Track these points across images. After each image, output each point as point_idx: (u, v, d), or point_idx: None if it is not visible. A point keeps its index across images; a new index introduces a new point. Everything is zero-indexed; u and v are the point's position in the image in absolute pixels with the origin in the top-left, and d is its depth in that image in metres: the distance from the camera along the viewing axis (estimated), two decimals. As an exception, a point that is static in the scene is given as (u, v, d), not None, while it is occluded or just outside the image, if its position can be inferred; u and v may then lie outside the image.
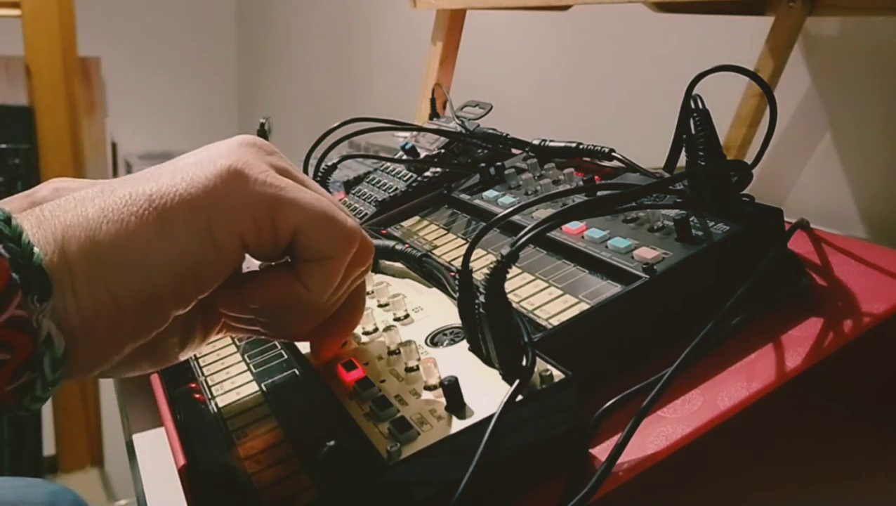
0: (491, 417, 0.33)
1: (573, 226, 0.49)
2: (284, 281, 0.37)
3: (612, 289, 0.42)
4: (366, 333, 0.45)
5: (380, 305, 0.48)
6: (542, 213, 0.52)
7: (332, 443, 0.33)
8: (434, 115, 0.86)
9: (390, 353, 0.42)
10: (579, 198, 0.52)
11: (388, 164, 0.77)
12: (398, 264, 0.53)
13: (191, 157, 0.36)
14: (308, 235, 0.36)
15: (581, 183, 0.57)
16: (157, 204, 0.33)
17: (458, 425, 0.34)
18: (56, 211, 0.33)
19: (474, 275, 0.39)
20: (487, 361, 0.38)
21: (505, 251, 0.36)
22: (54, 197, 0.37)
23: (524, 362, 0.35)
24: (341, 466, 0.34)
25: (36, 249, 0.30)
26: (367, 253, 0.39)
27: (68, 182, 0.43)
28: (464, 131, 0.72)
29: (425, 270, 0.50)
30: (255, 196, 0.34)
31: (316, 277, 0.37)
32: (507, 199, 0.59)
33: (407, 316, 0.45)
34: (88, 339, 0.32)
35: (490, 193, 0.61)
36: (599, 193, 0.43)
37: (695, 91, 0.46)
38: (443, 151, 0.72)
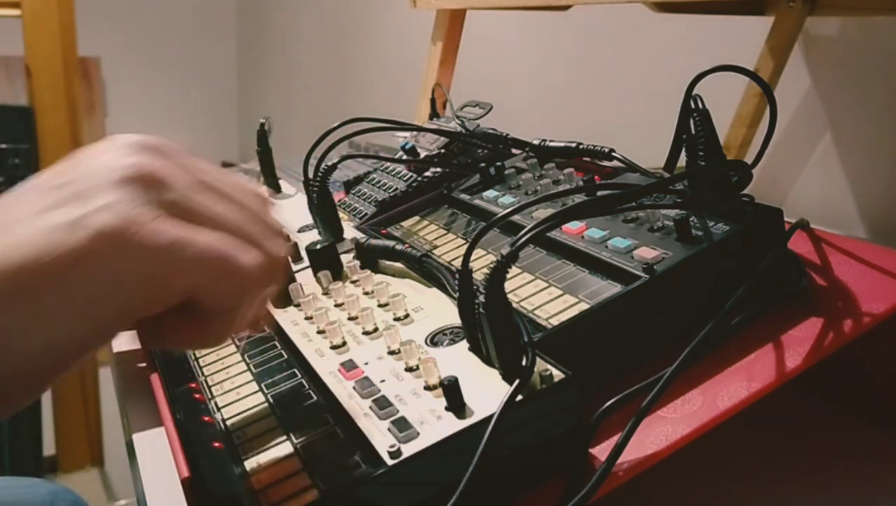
0: (491, 417, 0.33)
1: (573, 226, 0.49)
2: (183, 333, 0.35)
3: (612, 289, 0.42)
4: (366, 334, 0.45)
5: (380, 305, 0.48)
6: (542, 213, 0.52)
7: None
8: (434, 115, 0.86)
9: (390, 353, 0.42)
10: (579, 198, 0.52)
11: (388, 164, 0.77)
12: (398, 264, 0.53)
13: (57, 201, 0.30)
14: (205, 293, 0.33)
15: (581, 183, 0.57)
16: (35, 283, 0.29)
17: (458, 425, 0.34)
18: None
19: (474, 275, 0.39)
20: (487, 361, 0.38)
21: (505, 251, 0.36)
22: None
23: (524, 362, 0.35)
24: (342, 466, 0.34)
25: None
26: (275, 276, 0.36)
27: None
28: (464, 131, 0.72)
29: (425, 270, 0.50)
30: (145, 268, 0.30)
31: (216, 329, 0.35)
32: (507, 199, 0.59)
33: (407, 316, 0.45)
34: None
35: (490, 193, 0.61)
36: (599, 193, 0.43)
37: (695, 91, 0.46)
38: (443, 151, 0.72)
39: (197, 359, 0.50)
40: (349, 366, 0.41)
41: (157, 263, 0.30)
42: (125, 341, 0.58)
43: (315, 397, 0.41)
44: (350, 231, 0.64)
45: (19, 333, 0.29)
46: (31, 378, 0.31)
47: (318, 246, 0.55)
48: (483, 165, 0.64)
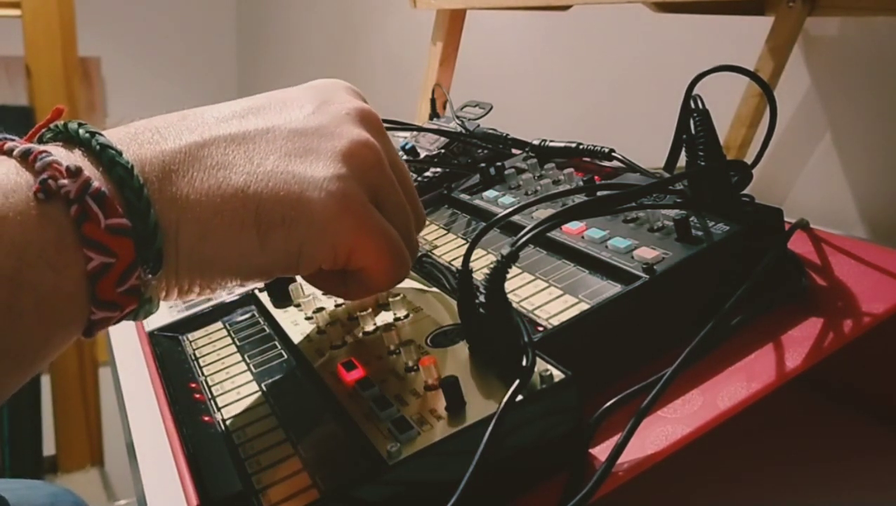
0: (491, 417, 0.33)
1: (573, 226, 0.49)
2: (331, 284, 0.43)
3: (612, 289, 0.42)
4: (366, 333, 0.45)
5: (380, 305, 0.48)
6: (542, 213, 0.52)
7: None
8: (434, 115, 0.86)
9: (390, 353, 0.42)
10: (579, 198, 0.52)
11: (388, 164, 0.77)
12: (398, 264, 0.53)
13: (299, 150, 0.37)
14: (370, 272, 0.39)
15: (581, 183, 0.57)
16: (262, 220, 0.35)
17: (458, 425, 0.34)
18: (177, 175, 0.34)
19: (474, 275, 0.39)
20: (487, 361, 0.38)
21: (505, 251, 0.36)
22: None
23: (524, 362, 0.35)
24: (342, 466, 0.34)
25: (159, 230, 0.33)
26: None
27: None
28: (464, 131, 0.72)
29: (425, 269, 0.50)
30: (345, 236, 0.36)
31: (359, 291, 0.42)
32: (507, 199, 0.59)
33: (407, 316, 0.45)
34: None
35: (490, 193, 0.61)
36: (599, 193, 0.43)
37: (695, 91, 0.46)
38: (443, 151, 0.72)
39: (197, 359, 0.50)
40: (349, 366, 0.41)
41: (357, 239, 0.37)
42: (125, 341, 0.58)
43: (315, 397, 0.41)
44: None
45: (250, 259, 0.35)
46: (230, 284, 0.37)
47: (318, 246, 0.55)
48: (483, 165, 0.64)
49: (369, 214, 0.37)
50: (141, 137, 0.35)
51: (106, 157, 0.32)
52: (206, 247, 0.34)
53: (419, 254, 0.51)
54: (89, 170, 0.32)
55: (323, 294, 0.50)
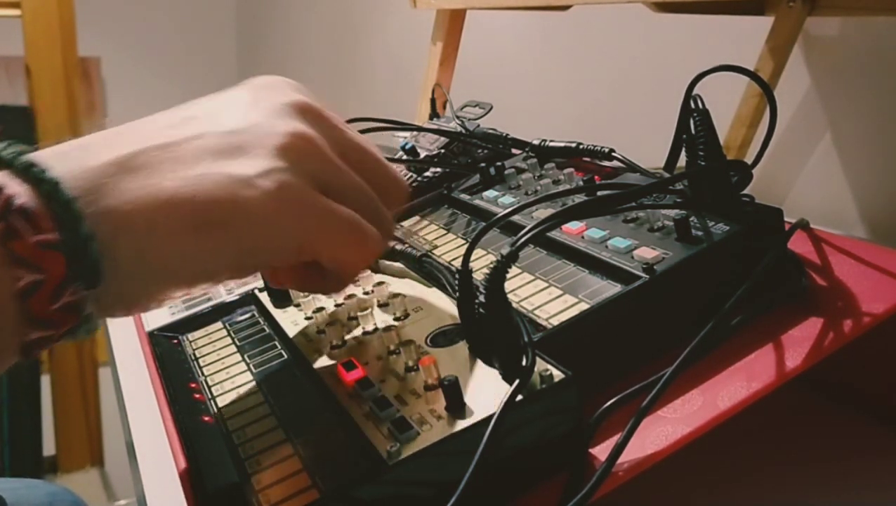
0: (491, 417, 0.33)
1: (573, 226, 0.49)
2: (301, 280, 0.42)
3: (612, 289, 0.42)
4: (366, 333, 0.45)
5: (380, 305, 0.48)
6: (542, 213, 0.52)
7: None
8: (434, 115, 0.86)
9: (390, 353, 0.42)
10: (579, 198, 0.52)
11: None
12: (398, 264, 0.53)
13: (230, 149, 0.36)
14: (335, 260, 0.38)
15: (581, 183, 0.57)
16: (199, 224, 0.34)
17: (458, 424, 0.34)
18: (108, 186, 0.33)
19: (474, 275, 0.39)
20: (487, 361, 0.38)
21: (505, 251, 0.36)
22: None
23: (524, 362, 0.35)
24: (342, 466, 0.34)
25: (92, 242, 0.31)
26: (385, 247, 0.41)
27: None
28: (464, 131, 0.72)
29: (425, 269, 0.50)
30: (292, 230, 0.35)
31: (331, 285, 0.41)
32: (507, 199, 0.59)
33: (407, 316, 0.45)
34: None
35: (490, 193, 0.61)
36: (599, 193, 0.43)
37: (695, 91, 0.46)
38: (443, 151, 0.72)
39: (197, 359, 0.50)
40: (349, 366, 0.41)
41: (304, 230, 0.36)
42: (125, 341, 0.58)
43: (315, 397, 0.41)
44: (350, 231, 0.64)
45: (188, 259, 0.34)
46: (176, 294, 0.36)
47: (318, 246, 0.54)
48: (483, 165, 0.64)
49: (313, 203, 0.36)
50: (71, 154, 0.34)
51: (32, 174, 0.31)
52: (146, 256, 0.33)
53: (419, 254, 0.51)
54: (14, 188, 0.31)
55: (308, 295, 0.50)
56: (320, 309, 0.48)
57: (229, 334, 0.53)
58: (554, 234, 0.49)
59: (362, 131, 0.66)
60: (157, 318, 0.59)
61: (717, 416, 0.36)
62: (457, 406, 0.35)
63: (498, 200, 0.59)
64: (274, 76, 0.41)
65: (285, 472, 0.36)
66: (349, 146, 0.39)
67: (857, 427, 0.48)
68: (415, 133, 0.76)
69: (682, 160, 0.49)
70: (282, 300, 0.52)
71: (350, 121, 0.67)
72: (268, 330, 0.51)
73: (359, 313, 0.46)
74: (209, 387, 0.46)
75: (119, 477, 2.34)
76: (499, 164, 0.64)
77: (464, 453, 0.32)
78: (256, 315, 0.54)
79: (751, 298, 0.40)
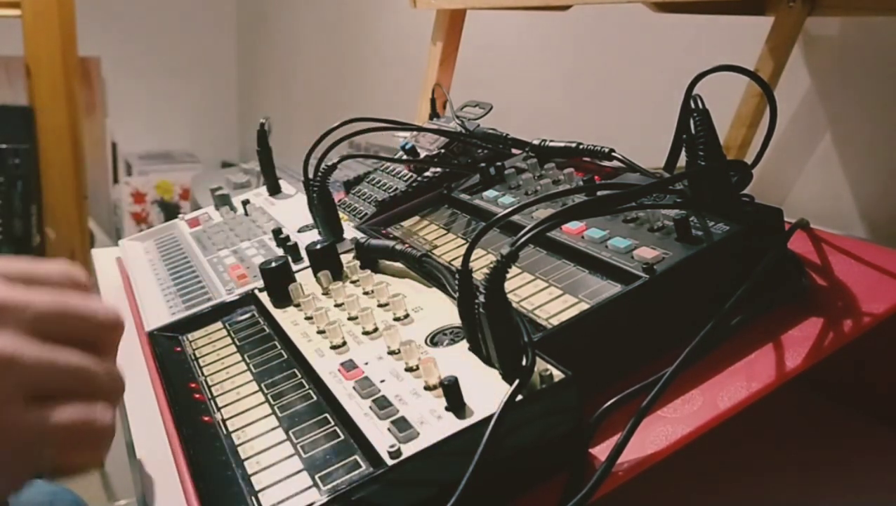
0: (491, 417, 0.33)
1: (573, 226, 0.49)
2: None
3: (612, 289, 0.42)
4: (366, 333, 0.45)
5: (380, 305, 0.48)
6: (542, 213, 0.52)
7: None
8: (434, 115, 0.86)
9: (390, 353, 0.42)
10: (579, 198, 0.52)
11: (388, 164, 0.77)
12: (398, 264, 0.53)
13: None
14: (69, 457, 0.35)
15: (581, 183, 0.57)
16: None
17: (458, 424, 0.34)
18: None
19: (474, 275, 0.39)
20: (487, 361, 0.38)
21: (505, 251, 0.36)
22: None
23: (524, 362, 0.35)
24: (342, 466, 0.34)
25: None
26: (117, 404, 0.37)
27: None
28: (464, 131, 0.72)
29: (425, 270, 0.50)
30: (6, 456, 0.32)
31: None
32: (507, 199, 0.59)
33: (407, 316, 0.45)
34: None
35: (490, 193, 0.61)
36: (599, 193, 0.43)
37: (695, 91, 0.46)
38: (443, 151, 0.72)
39: (197, 359, 0.50)
40: (349, 366, 0.41)
41: (25, 453, 0.32)
42: (125, 341, 0.58)
43: (315, 397, 0.41)
44: (350, 231, 0.64)
45: None
46: None
47: (318, 246, 0.55)
48: (483, 165, 0.64)
49: (20, 423, 0.32)
50: None
51: None
52: None
53: (419, 254, 0.51)
54: None
55: (308, 295, 0.49)
56: (321, 309, 0.48)
57: (229, 334, 0.53)
58: (554, 234, 0.49)
59: (363, 131, 0.66)
60: (157, 318, 0.59)
61: (717, 416, 0.36)
62: (457, 406, 0.35)
63: (498, 200, 0.59)
64: None
65: (285, 472, 0.36)
66: (45, 319, 0.35)
67: (857, 427, 0.48)
68: (415, 133, 0.76)
69: (683, 160, 0.49)
70: (282, 300, 0.52)
71: (350, 121, 0.67)
72: (268, 330, 0.51)
73: (359, 313, 0.46)
74: (209, 387, 0.46)
75: (119, 477, 2.33)
76: (499, 164, 0.64)
77: (464, 453, 0.32)
78: (256, 315, 0.54)
79: (751, 298, 0.40)
